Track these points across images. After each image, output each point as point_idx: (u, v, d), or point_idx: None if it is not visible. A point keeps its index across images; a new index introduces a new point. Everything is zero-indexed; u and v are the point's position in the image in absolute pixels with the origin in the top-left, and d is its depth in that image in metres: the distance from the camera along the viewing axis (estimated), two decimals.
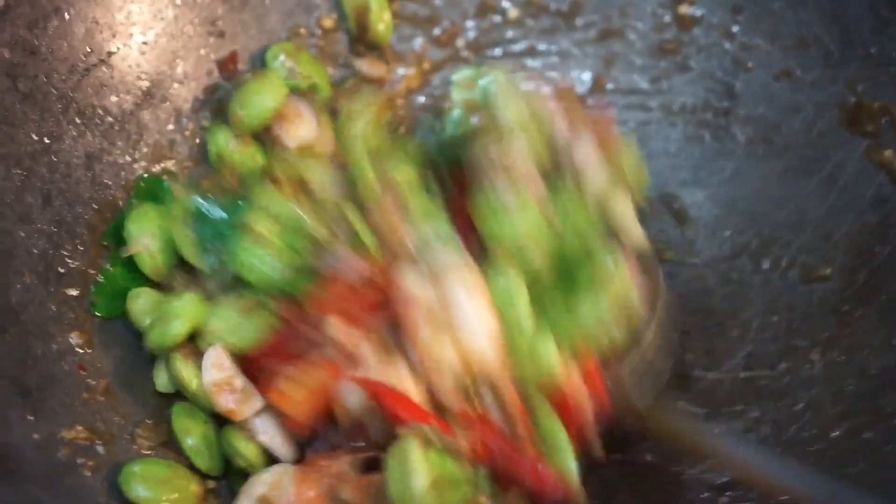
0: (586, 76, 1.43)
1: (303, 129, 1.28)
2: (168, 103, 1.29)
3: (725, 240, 1.35)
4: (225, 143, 1.25)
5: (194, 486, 1.11)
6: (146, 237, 1.18)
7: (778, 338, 1.27)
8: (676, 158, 1.40)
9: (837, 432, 1.17)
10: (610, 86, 1.43)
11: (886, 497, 1.07)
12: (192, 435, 1.13)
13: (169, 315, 1.12)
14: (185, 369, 1.12)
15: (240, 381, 1.10)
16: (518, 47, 1.44)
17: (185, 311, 1.12)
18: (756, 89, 1.36)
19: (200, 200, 1.18)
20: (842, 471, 1.13)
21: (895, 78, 1.27)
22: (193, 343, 1.14)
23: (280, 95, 1.25)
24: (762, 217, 1.34)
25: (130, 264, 1.20)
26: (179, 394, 1.16)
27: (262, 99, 1.24)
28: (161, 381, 1.17)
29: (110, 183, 1.23)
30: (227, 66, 1.33)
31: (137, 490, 1.07)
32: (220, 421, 1.14)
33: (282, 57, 1.31)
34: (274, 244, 1.11)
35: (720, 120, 1.38)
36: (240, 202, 1.16)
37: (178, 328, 1.12)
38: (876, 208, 1.26)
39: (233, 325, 1.12)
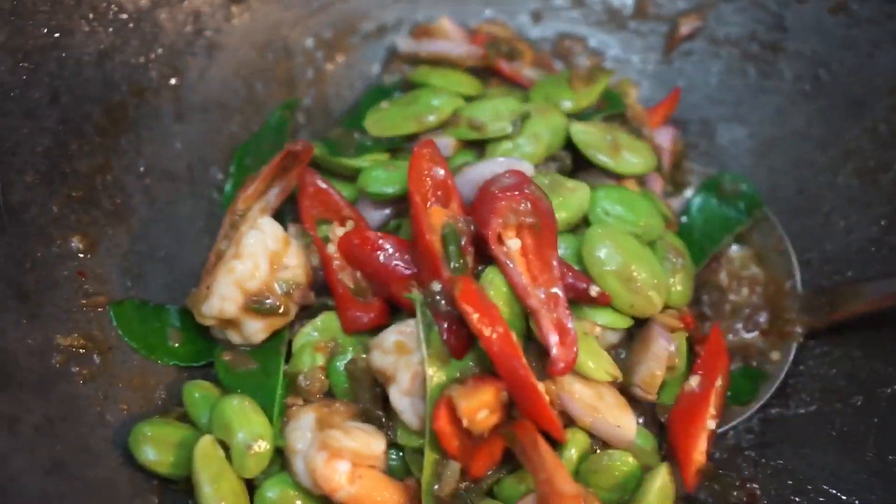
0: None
1: None
2: (186, 3, 1.23)
3: (763, 181, 1.28)
4: None
5: None
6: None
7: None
8: (717, 92, 1.34)
9: None
10: (652, 9, 1.36)
11: None
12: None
13: None
14: None
15: None
16: None
17: None
18: (808, 22, 1.28)
19: None
20: None
21: None
22: None
23: None
24: (803, 159, 1.27)
25: None
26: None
27: None
28: None
29: (122, 84, 1.17)
30: None
31: (147, 453, 1.04)
32: None
33: None
34: None
35: (767, 53, 1.31)
36: None
37: None
38: None
39: None
